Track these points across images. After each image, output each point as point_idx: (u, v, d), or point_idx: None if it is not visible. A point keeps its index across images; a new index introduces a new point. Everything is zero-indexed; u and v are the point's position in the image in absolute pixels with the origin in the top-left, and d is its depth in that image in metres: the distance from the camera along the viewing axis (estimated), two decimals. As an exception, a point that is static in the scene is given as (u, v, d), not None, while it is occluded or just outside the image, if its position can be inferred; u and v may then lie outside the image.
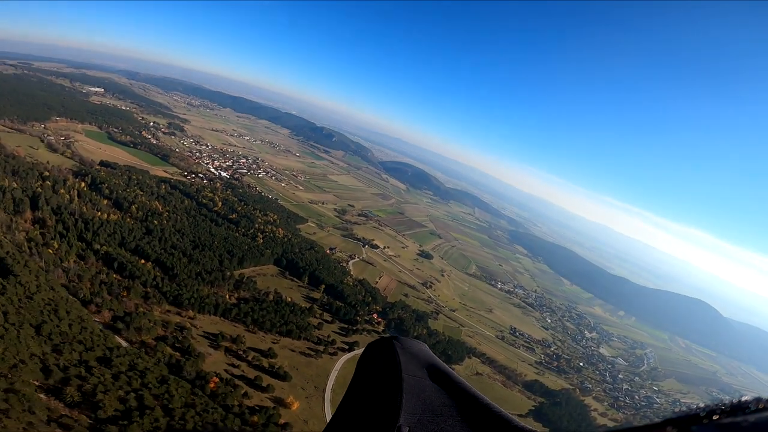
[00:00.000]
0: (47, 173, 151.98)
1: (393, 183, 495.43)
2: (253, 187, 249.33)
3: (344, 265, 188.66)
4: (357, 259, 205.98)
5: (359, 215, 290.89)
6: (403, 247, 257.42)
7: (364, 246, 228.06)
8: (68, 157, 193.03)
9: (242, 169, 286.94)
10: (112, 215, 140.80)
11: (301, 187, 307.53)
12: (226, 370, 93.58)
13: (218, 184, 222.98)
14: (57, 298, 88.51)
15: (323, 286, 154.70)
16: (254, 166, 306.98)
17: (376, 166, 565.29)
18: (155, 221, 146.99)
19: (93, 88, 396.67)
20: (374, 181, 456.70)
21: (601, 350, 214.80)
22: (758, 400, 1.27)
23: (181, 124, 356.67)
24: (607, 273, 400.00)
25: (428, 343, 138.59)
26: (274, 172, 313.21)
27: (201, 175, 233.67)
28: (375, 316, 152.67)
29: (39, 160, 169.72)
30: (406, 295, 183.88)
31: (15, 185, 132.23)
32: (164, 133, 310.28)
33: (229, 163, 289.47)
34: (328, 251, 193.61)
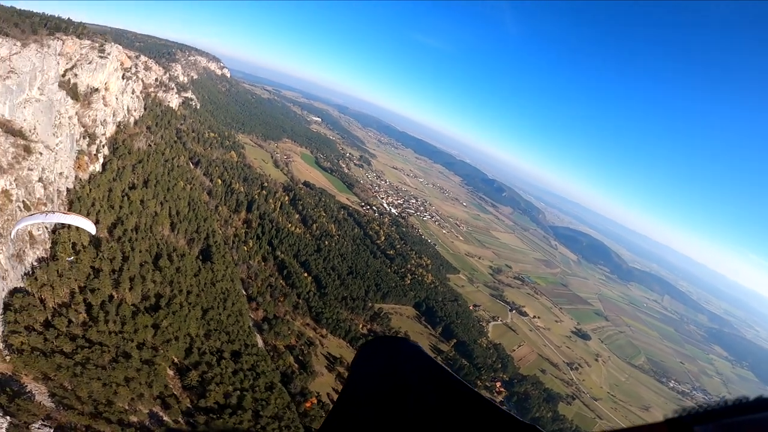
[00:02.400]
0: (266, 184, 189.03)
1: (562, 251, 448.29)
2: (415, 228, 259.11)
3: (483, 325, 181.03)
4: (499, 322, 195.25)
5: (515, 278, 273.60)
6: (556, 321, 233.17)
7: (511, 310, 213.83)
8: (284, 174, 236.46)
9: (410, 209, 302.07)
10: (297, 229, 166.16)
11: (460, 237, 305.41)
12: (328, 394, 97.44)
13: (386, 219, 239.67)
14: (231, 290, 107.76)
15: (455, 340, 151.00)
16: (421, 208, 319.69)
17: (545, 230, 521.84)
18: (326, 242, 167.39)
19: (314, 117, 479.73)
20: (540, 246, 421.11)
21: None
22: (761, 399, 1.22)
23: (370, 159, 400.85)
24: None
25: (548, 429, 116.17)
26: (438, 218, 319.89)
27: (374, 208, 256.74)
28: (498, 384, 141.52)
29: (264, 173, 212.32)
30: (543, 371, 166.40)
31: (242, 189, 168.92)
32: (355, 164, 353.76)
33: (400, 201, 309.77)
34: (471, 307, 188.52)
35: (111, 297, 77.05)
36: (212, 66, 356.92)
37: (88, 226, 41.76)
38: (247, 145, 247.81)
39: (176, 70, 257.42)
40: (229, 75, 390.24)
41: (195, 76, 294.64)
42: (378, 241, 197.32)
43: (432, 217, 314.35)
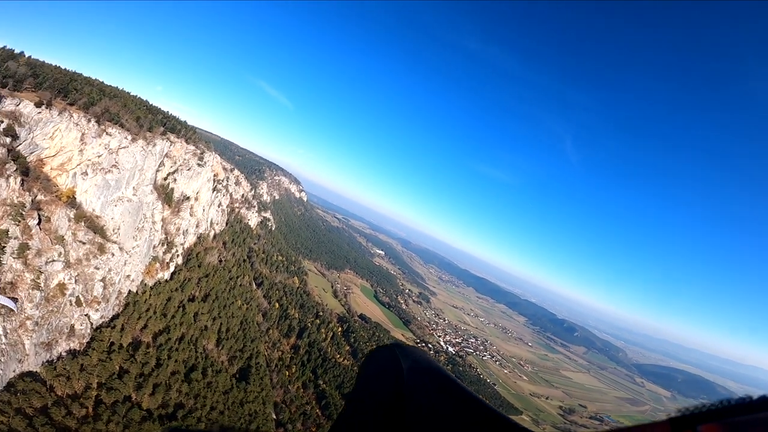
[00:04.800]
0: (321, 313, 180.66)
1: (651, 388, 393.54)
2: (473, 368, 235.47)
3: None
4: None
5: (591, 418, 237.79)
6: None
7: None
8: (342, 305, 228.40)
9: (469, 348, 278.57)
10: (345, 361, 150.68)
11: (524, 377, 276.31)
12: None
13: (442, 357, 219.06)
14: (260, 412, 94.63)
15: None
16: (481, 347, 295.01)
17: (628, 368, 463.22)
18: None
19: (378, 250, 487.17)
20: (622, 384, 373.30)
21: None
22: (764, 398, 1.17)
23: (429, 296, 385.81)
24: None
25: None
26: (499, 357, 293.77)
27: (430, 345, 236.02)
28: None
29: (322, 302, 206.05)
30: None
31: (296, 316, 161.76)
32: (414, 301, 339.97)
33: (459, 340, 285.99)
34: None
35: (128, 398, 68.28)
36: (293, 188, 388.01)
37: (8, 303, 40.84)
38: (311, 272, 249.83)
39: (262, 188, 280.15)
40: (305, 199, 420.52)
41: (276, 197, 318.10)
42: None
43: (492, 357, 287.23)
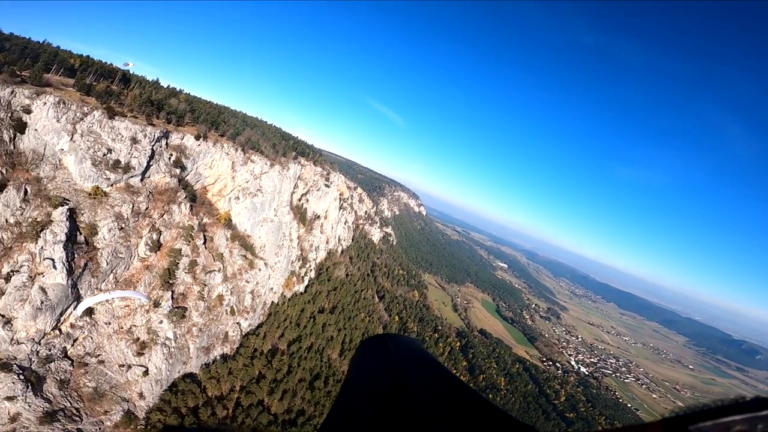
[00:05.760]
0: (440, 327, 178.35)
1: None
2: (611, 391, 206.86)
3: None
4: None
5: None
6: None
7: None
8: (461, 319, 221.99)
9: (606, 368, 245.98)
10: (461, 377, 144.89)
11: (680, 404, 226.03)
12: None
13: (571, 378, 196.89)
14: None
15: None
16: (623, 369, 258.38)
17: None
18: (490, 395, 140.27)
19: (500, 263, 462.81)
20: None
21: None
22: (757, 399, 1.09)
23: (559, 311, 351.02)
24: None
25: None
26: (647, 381, 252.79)
27: (558, 364, 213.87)
28: None
29: (441, 315, 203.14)
30: None
31: (415, 329, 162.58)
32: (541, 316, 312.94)
33: (594, 359, 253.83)
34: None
35: (261, 402, 76.39)
36: (412, 203, 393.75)
37: (142, 297, 49.52)
38: (430, 285, 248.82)
39: (383, 205, 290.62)
40: (425, 213, 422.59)
41: (396, 212, 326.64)
42: (556, 401, 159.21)
43: (638, 379, 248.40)
